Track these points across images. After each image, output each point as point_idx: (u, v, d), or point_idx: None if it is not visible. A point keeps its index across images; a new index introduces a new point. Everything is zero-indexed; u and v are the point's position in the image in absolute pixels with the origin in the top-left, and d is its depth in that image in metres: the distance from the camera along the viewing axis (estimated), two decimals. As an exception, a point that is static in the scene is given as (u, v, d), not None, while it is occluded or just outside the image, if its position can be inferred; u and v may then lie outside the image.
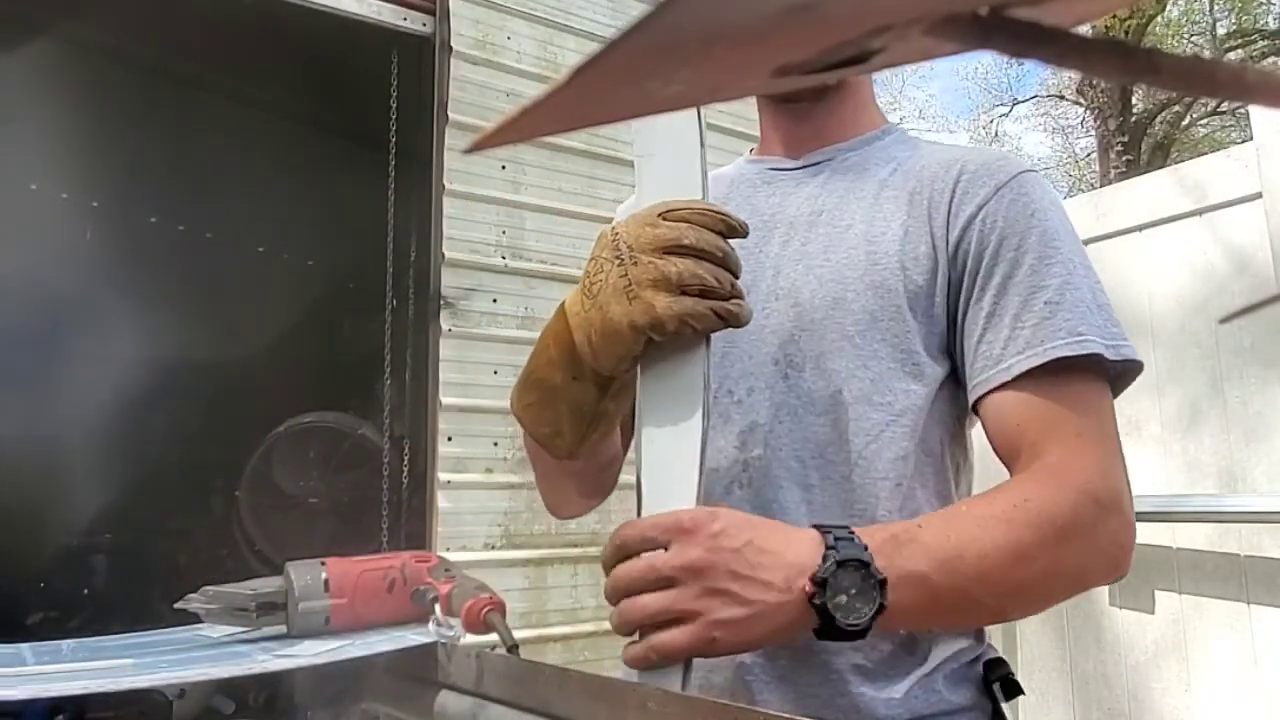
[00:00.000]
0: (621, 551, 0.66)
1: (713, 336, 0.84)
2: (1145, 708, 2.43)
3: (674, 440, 0.68)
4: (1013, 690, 0.80)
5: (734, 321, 0.68)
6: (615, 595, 0.65)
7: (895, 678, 0.76)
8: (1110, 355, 0.75)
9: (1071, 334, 0.74)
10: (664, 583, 0.63)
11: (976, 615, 0.75)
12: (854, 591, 0.62)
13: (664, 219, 0.69)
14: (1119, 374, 0.78)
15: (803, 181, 0.90)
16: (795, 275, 0.84)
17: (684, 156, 0.73)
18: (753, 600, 0.62)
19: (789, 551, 0.64)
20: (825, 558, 0.63)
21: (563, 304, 0.73)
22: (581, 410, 0.74)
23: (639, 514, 0.69)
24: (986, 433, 0.78)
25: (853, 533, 0.65)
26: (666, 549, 0.64)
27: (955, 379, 0.82)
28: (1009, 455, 0.76)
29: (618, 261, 0.68)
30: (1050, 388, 0.74)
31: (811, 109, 0.91)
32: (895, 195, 0.84)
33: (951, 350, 0.81)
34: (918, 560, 0.65)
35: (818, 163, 0.91)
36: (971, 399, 0.79)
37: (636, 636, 0.65)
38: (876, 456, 0.79)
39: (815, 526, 0.67)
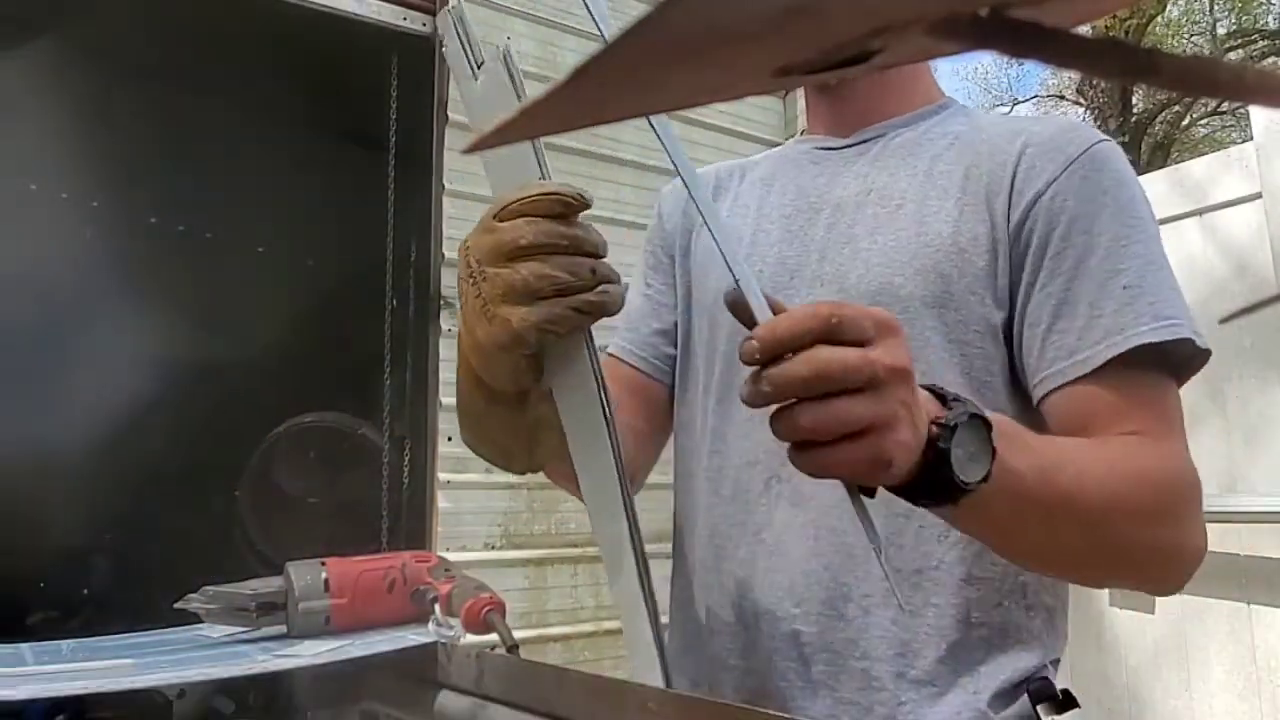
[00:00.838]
0: (779, 347, 0.50)
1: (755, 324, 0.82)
2: (1145, 708, 2.43)
3: (590, 448, 0.66)
4: (1068, 703, 0.73)
5: (601, 312, 0.61)
6: (810, 387, 0.49)
7: (942, 690, 0.71)
8: (1198, 343, 0.69)
9: (1157, 318, 0.68)
10: (872, 383, 0.50)
11: (1053, 547, 0.65)
12: (972, 449, 0.54)
13: (499, 220, 0.61)
14: (1188, 365, 0.72)
15: (851, 160, 0.84)
16: (841, 260, 0.78)
17: None
18: (918, 426, 0.52)
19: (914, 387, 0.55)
20: (952, 406, 0.55)
21: (458, 329, 0.69)
22: (514, 427, 0.70)
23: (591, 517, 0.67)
24: (1053, 426, 0.71)
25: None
26: (869, 345, 0.51)
27: (1014, 371, 0.75)
28: None
29: (471, 280, 0.63)
30: (1129, 379, 0.69)
31: (854, 88, 0.85)
32: (950, 170, 0.78)
33: (1010, 339, 0.74)
34: (1019, 457, 0.58)
35: (867, 140, 0.85)
36: (1039, 393, 0.72)
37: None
38: None
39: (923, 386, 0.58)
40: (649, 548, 0.66)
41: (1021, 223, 0.74)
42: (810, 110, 0.93)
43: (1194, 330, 0.69)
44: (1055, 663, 0.77)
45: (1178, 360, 0.71)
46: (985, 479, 0.54)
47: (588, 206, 0.62)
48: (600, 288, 0.61)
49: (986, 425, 0.55)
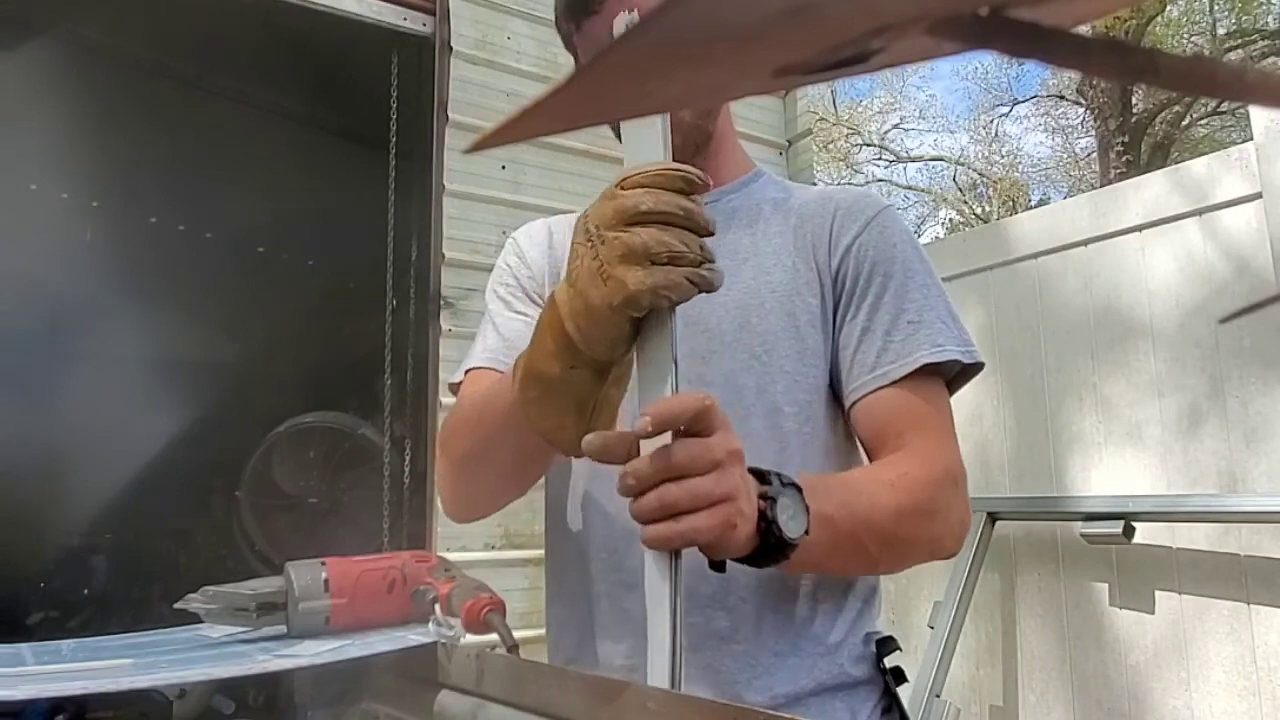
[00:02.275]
0: (665, 424, 0.65)
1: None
2: (1145, 708, 2.43)
3: (658, 383, 0.70)
4: (899, 678, 0.92)
5: (706, 287, 0.67)
6: (664, 475, 0.64)
7: (804, 654, 0.87)
8: (965, 359, 0.90)
9: (934, 345, 0.89)
10: (715, 466, 0.65)
11: (859, 561, 0.84)
12: (791, 511, 0.70)
13: (622, 188, 0.67)
14: (960, 374, 0.92)
15: None
16: (701, 304, 0.88)
17: (647, 120, 0.71)
18: (752, 498, 0.68)
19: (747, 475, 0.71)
20: (770, 480, 0.70)
21: (553, 294, 0.73)
22: (584, 400, 0.73)
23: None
24: (857, 429, 0.91)
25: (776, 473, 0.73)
26: (711, 436, 0.66)
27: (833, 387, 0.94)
28: (877, 445, 0.88)
29: (589, 244, 0.67)
30: (913, 390, 0.89)
31: (691, 160, 0.97)
32: (780, 230, 0.96)
33: (832, 363, 0.94)
34: (825, 503, 0.74)
35: (706, 204, 0.96)
36: (849, 401, 0.91)
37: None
38: (788, 462, 0.86)
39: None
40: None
41: (838, 269, 0.94)
42: None
43: (962, 351, 0.90)
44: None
45: (949, 373, 0.92)
46: (807, 532, 0.70)
47: (707, 188, 0.68)
48: (708, 265, 0.67)
49: (799, 490, 0.71)
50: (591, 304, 0.67)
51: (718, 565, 0.68)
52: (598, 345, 0.69)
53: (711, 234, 0.68)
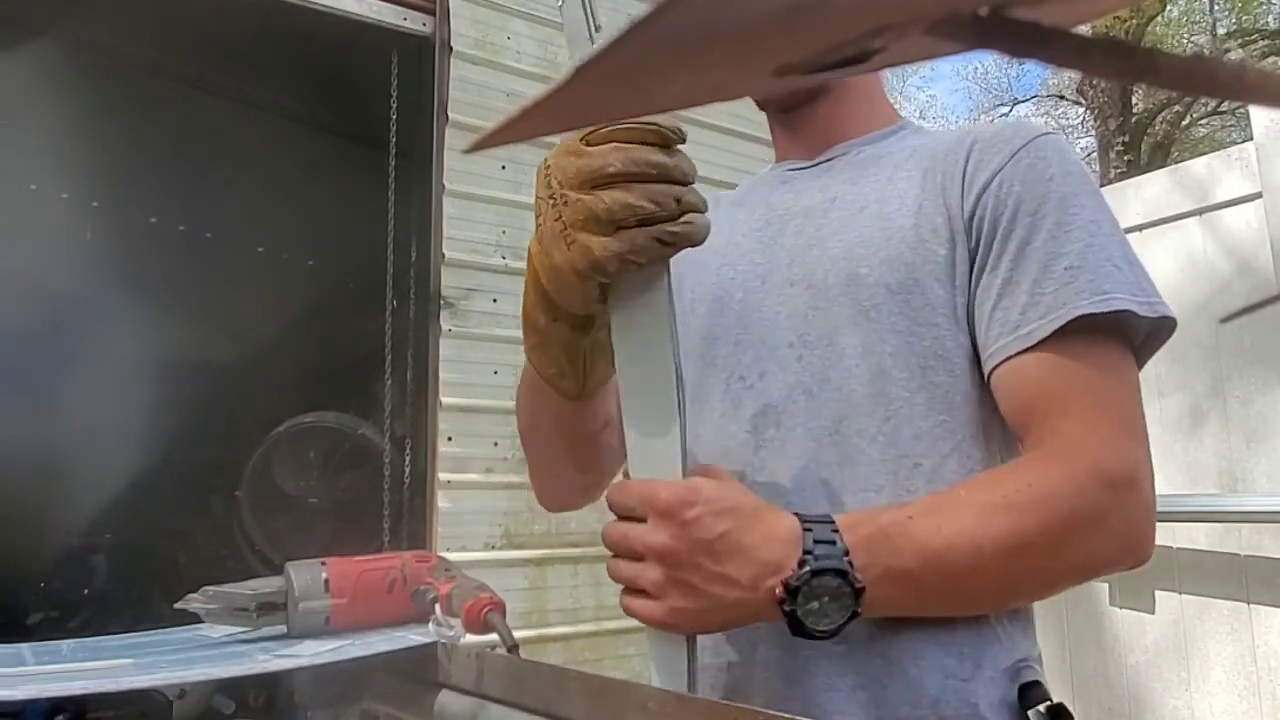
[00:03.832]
0: (611, 508, 0.67)
1: (726, 322, 0.84)
2: (1145, 708, 2.43)
3: (649, 384, 0.65)
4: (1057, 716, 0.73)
5: (685, 242, 0.61)
6: (608, 547, 0.68)
7: (927, 671, 0.72)
8: (1141, 311, 0.69)
9: (1096, 293, 0.69)
10: (636, 556, 0.65)
11: (969, 606, 0.72)
12: (827, 599, 0.62)
13: (588, 144, 0.61)
14: (1149, 335, 0.73)
15: (817, 176, 0.89)
16: (809, 261, 0.82)
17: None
18: (713, 594, 0.63)
19: (763, 549, 0.63)
20: (802, 563, 0.62)
21: (530, 245, 0.69)
22: (573, 348, 0.71)
23: (627, 467, 0.68)
24: (1000, 405, 0.74)
25: (836, 531, 0.63)
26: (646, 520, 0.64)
27: (976, 351, 0.78)
28: (1021, 428, 0.72)
29: (551, 202, 0.62)
30: (1071, 353, 0.70)
31: (812, 112, 0.90)
32: (909, 175, 0.82)
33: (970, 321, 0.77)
34: (904, 556, 0.63)
35: (832, 158, 0.89)
36: (987, 369, 0.74)
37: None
38: (897, 433, 0.75)
39: (799, 518, 0.65)
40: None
41: (973, 211, 0.77)
42: (776, 141, 0.98)
43: (1138, 301, 0.70)
44: (1038, 658, 0.78)
45: (1133, 333, 0.72)
46: (856, 614, 0.62)
47: (682, 141, 0.63)
48: (685, 217, 0.61)
49: (841, 571, 0.62)
50: (556, 266, 0.63)
51: (799, 630, 0.63)
52: (569, 302, 0.67)
53: (691, 183, 0.62)
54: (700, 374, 0.85)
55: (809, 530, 0.64)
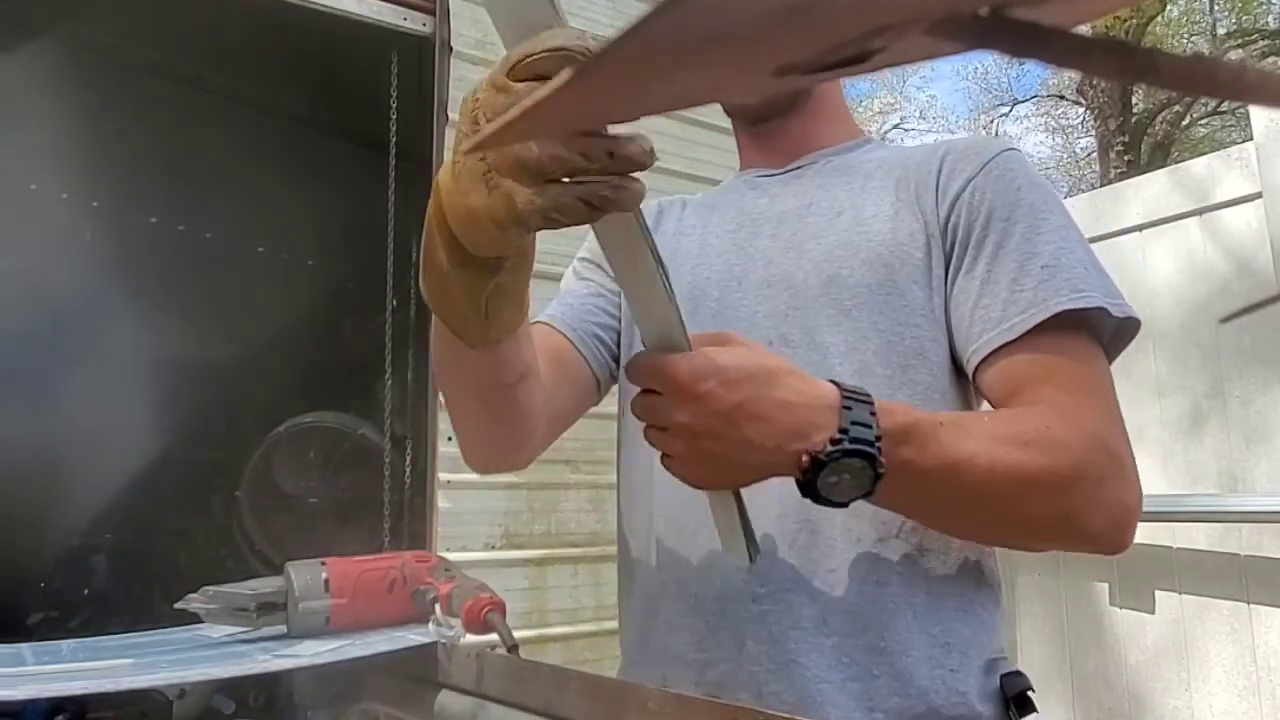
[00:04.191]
0: (633, 383, 0.67)
1: (702, 322, 0.84)
2: (1145, 708, 2.43)
3: (633, 268, 0.62)
4: (1025, 708, 0.77)
5: (613, 207, 0.54)
6: (636, 417, 0.67)
7: (915, 661, 0.74)
8: (1114, 311, 0.73)
9: (1074, 290, 0.73)
10: (662, 426, 0.65)
11: (962, 524, 0.73)
12: (848, 477, 0.62)
13: (512, 78, 0.52)
14: (1114, 336, 0.77)
15: (788, 183, 0.92)
16: (787, 263, 0.84)
17: None
18: (736, 459, 0.64)
19: (785, 415, 0.63)
20: (836, 440, 0.62)
21: (437, 180, 0.62)
22: (476, 293, 0.65)
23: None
24: (988, 396, 0.77)
25: (874, 414, 0.64)
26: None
27: (952, 350, 0.81)
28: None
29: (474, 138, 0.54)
30: (1053, 346, 0.73)
31: (783, 125, 0.93)
32: (881, 184, 0.85)
33: (947, 322, 0.81)
34: (926, 456, 0.64)
35: (802, 165, 0.93)
36: (971, 365, 0.77)
37: None
38: None
39: (839, 388, 0.65)
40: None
41: (948, 217, 0.81)
42: (743, 149, 1.00)
43: (1109, 302, 0.73)
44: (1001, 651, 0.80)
45: (1102, 332, 0.76)
46: (870, 492, 0.63)
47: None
48: (616, 181, 0.53)
49: (870, 456, 0.62)
50: (474, 211, 0.57)
51: (811, 494, 0.63)
52: (482, 249, 0.61)
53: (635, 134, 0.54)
54: None
55: (848, 408, 0.64)
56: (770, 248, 0.86)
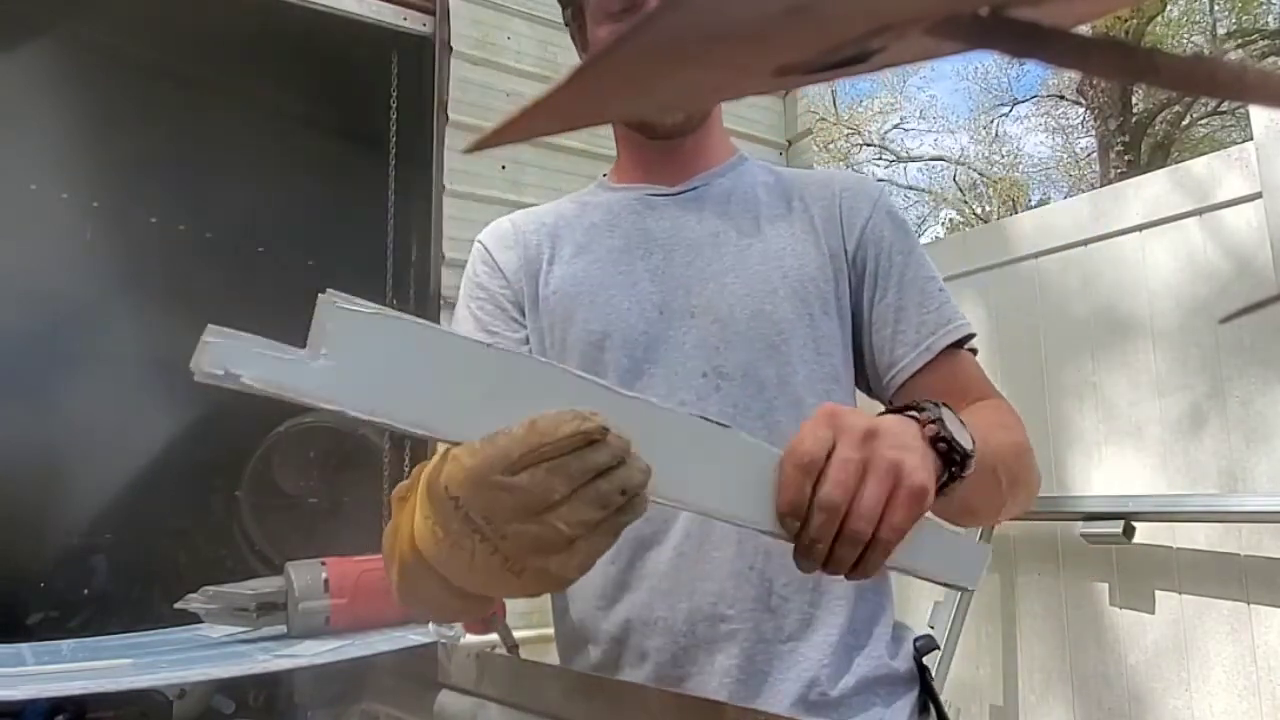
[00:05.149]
0: (813, 468, 0.58)
1: (634, 354, 0.86)
2: (1145, 708, 2.43)
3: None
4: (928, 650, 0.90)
5: (633, 519, 0.53)
6: (835, 505, 0.57)
7: (849, 653, 0.84)
8: (968, 330, 0.90)
9: (961, 317, 0.89)
10: (860, 469, 0.58)
11: (994, 495, 0.77)
12: (955, 428, 0.65)
13: (517, 474, 0.51)
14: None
15: (686, 206, 0.94)
16: (708, 293, 0.87)
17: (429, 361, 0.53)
18: (916, 444, 0.61)
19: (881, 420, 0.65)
20: (923, 409, 0.65)
21: (413, 540, 0.59)
22: (475, 609, 0.65)
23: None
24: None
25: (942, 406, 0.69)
26: (832, 450, 0.58)
27: (859, 371, 0.92)
28: None
29: (479, 537, 0.53)
30: (959, 360, 0.89)
31: (681, 143, 0.96)
32: (781, 215, 0.93)
33: (858, 345, 0.91)
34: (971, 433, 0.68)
35: (694, 188, 0.95)
36: (895, 384, 0.88)
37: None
38: None
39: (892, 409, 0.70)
40: None
41: (855, 251, 0.91)
42: (626, 162, 1.01)
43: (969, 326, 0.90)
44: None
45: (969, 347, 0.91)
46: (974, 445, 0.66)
47: (604, 433, 0.52)
48: (632, 496, 0.52)
49: (952, 410, 0.67)
50: (509, 590, 0.56)
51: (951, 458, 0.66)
52: (490, 594, 0.60)
53: (626, 459, 0.52)
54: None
55: (919, 410, 0.66)
56: (686, 275, 0.89)
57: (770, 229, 0.91)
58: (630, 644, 0.83)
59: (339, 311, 0.53)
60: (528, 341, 0.93)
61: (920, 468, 0.59)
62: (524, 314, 0.94)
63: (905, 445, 0.60)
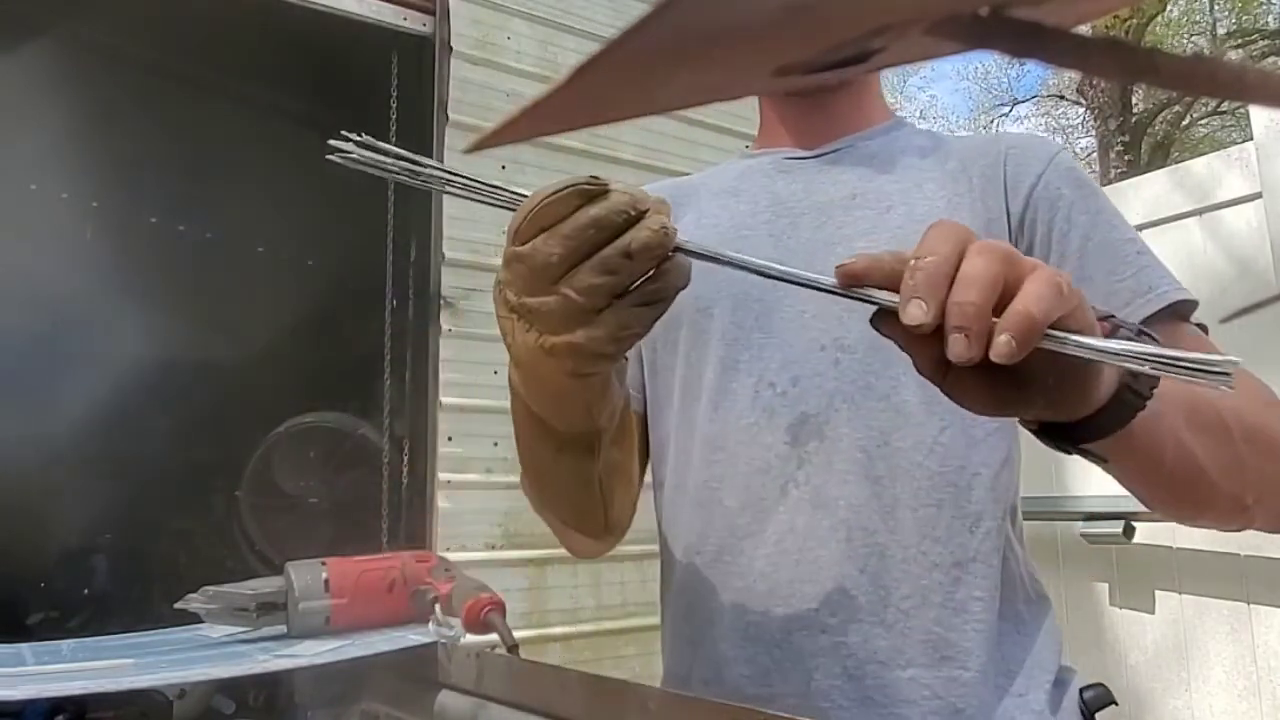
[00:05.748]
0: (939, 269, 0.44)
1: (745, 323, 0.77)
2: (1145, 708, 2.43)
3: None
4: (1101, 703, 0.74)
5: (670, 294, 0.52)
6: (929, 267, 0.44)
7: (995, 692, 0.70)
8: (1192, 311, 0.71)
9: (1173, 283, 0.70)
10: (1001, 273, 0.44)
11: (1222, 448, 0.60)
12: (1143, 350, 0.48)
13: (518, 246, 0.51)
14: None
15: (824, 168, 0.84)
16: (836, 259, 0.72)
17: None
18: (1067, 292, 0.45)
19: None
20: (1112, 316, 0.53)
21: (510, 380, 0.61)
22: (587, 477, 0.63)
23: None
24: None
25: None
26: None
27: None
28: None
29: (515, 317, 0.53)
30: (1174, 337, 0.68)
31: (829, 100, 0.86)
32: (934, 177, 0.80)
33: None
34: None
35: (836, 150, 0.85)
36: None
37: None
38: (953, 443, 0.72)
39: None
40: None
41: (1023, 213, 0.77)
42: (770, 122, 0.92)
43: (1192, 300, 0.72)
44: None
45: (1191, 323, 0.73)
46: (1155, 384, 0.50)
47: (604, 188, 0.50)
48: (659, 270, 0.50)
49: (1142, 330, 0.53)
50: (545, 381, 0.56)
51: (1057, 436, 0.51)
52: (573, 417, 0.59)
53: (643, 212, 0.50)
54: (722, 379, 0.78)
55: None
56: (814, 240, 0.79)
57: (917, 192, 0.79)
58: (719, 649, 0.74)
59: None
60: None
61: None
62: None
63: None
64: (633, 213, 0.49)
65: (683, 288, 0.52)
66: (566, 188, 0.49)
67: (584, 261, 0.49)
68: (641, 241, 0.49)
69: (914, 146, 0.84)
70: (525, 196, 0.51)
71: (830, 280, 0.49)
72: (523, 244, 0.50)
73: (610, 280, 0.49)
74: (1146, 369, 0.42)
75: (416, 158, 0.53)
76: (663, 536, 0.84)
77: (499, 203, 0.53)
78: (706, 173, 0.94)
